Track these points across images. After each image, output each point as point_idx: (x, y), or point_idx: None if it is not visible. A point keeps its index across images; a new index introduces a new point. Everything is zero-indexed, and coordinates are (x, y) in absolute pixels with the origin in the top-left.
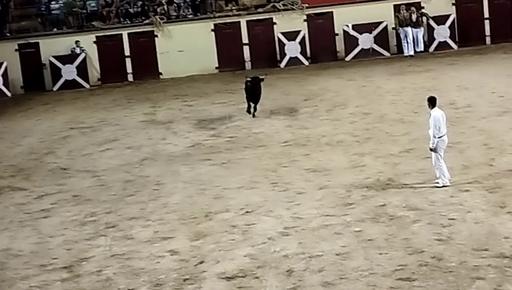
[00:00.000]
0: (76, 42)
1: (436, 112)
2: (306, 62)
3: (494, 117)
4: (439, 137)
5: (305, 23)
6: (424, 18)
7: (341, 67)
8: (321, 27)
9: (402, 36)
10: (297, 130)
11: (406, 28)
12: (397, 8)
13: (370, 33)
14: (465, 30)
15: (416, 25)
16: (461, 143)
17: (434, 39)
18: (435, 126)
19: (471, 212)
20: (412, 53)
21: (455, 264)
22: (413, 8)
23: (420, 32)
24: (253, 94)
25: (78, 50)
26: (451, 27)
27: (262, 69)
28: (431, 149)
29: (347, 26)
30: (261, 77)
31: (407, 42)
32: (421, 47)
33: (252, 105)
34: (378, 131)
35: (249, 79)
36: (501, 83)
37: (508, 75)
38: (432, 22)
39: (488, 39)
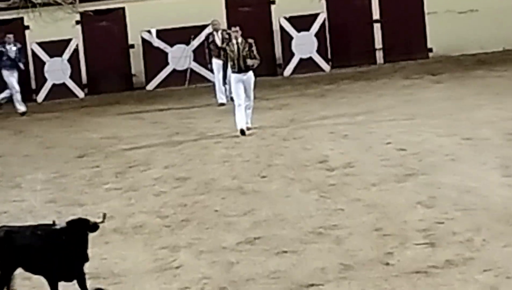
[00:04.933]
0: None
1: None
2: (81, 93)
3: (391, 183)
4: None
5: (79, 28)
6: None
7: (140, 101)
8: (105, 34)
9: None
10: (65, 208)
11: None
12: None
13: (188, 44)
14: (342, 40)
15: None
16: (338, 228)
17: (292, 54)
18: None
19: None
20: (224, 101)
21: None
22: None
23: None
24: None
25: None
26: (319, 34)
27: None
28: None
29: (149, 32)
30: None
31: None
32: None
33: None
34: (203, 208)
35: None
36: (401, 128)
37: (413, 114)
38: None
39: (379, 55)
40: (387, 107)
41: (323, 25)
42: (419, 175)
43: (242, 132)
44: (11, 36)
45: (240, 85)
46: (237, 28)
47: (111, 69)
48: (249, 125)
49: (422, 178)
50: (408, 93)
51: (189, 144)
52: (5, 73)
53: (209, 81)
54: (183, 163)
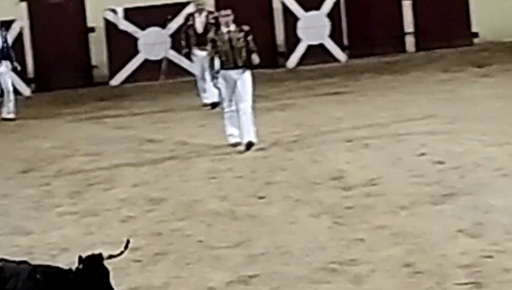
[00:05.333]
0: None
1: None
2: (26, 90)
3: (425, 206)
4: None
5: (24, 6)
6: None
7: (102, 100)
8: (57, 14)
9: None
10: (6, 238)
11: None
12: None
13: (164, 27)
14: (362, 22)
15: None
16: (357, 263)
17: (298, 40)
18: None
19: None
20: (209, 101)
21: None
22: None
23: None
24: None
25: None
26: (333, 14)
27: None
28: None
29: (114, 12)
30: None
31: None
32: None
33: None
34: (183, 238)
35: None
36: (438, 134)
37: (454, 117)
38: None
39: (410, 41)
40: (420, 108)
41: (337, 2)
42: (461, 195)
43: (235, 145)
44: None
45: (232, 86)
46: (229, 12)
47: (66, 59)
48: (253, 140)
49: (465, 199)
50: (447, 90)
51: (165, 156)
52: None
53: (191, 74)
54: (157, 181)
